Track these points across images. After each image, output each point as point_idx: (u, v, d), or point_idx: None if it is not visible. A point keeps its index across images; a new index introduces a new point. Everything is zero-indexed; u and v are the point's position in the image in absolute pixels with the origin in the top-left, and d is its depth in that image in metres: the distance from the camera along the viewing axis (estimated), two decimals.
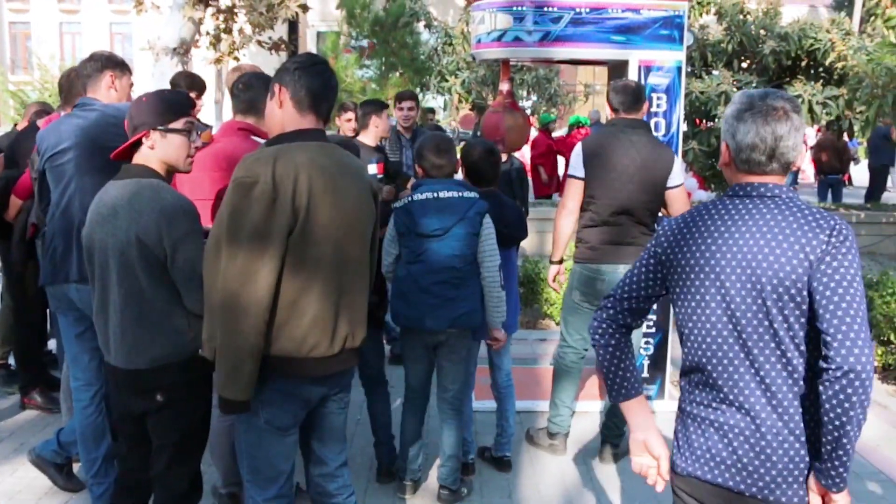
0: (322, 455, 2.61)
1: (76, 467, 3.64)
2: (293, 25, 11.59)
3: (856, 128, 8.25)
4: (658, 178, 3.86)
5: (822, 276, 1.74)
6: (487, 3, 4.60)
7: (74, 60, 23.74)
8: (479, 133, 5.73)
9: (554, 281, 4.19)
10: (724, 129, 1.96)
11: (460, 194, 3.37)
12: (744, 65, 8.86)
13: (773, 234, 1.82)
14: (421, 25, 12.21)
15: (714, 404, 1.92)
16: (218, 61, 10.03)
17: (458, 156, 3.75)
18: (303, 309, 2.29)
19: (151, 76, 7.97)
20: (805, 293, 1.78)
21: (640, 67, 4.50)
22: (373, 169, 4.69)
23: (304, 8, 9.52)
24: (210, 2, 8.53)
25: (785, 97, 1.89)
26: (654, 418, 2.09)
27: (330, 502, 2.64)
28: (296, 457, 2.55)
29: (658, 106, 4.58)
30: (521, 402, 4.38)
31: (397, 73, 12.42)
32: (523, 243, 4.18)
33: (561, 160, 11.44)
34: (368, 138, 4.93)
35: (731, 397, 1.88)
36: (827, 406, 1.70)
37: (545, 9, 4.39)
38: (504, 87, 4.96)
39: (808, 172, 17.00)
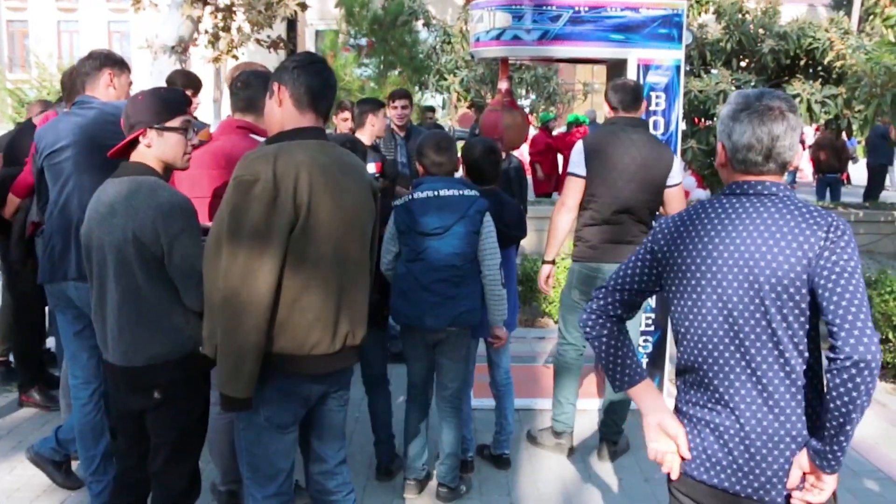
0: (321, 453, 2.61)
1: (75, 465, 3.65)
2: (292, 24, 11.59)
3: (854, 127, 8.24)
4: (658, 176, 3.86)
5: (823, 271, 1.74)
6: (486, 2, 4.60)
7: (72, 59, 23.69)
8: (477, 132, 5.73)
9: (546, 282, 4.12)
10: (719, 130, 1.95)
11: (461, 192, 3.37)
12: (742, 64, 8.85)
13: (771, 232, 1.81)
14: (419, 24, 12.20)
15: (710, 405, 1.91)
16: (216, 60, 10.03)
17: (459, 154, 3.75)
18: (304, 307, 2.30)
19: (150, 74, 7.96)
20: (804, 291, 1.77)
21: (638, 66, 4.51)
22: (371, 168, 4.69)
23: (303, 6, 9.52)
24: (208, 0, 8.52)
25: (781, 97, 1.89)
26: (663, 399, 2.07)
27: (329, 500, 2.65)
28: (295, 454, 2.56)
29: (657, 105, 4.58)
30: (520, 399, 4.38)
31: (396, 72, 12.41)
32: (522, 242, 4.18)
33: (561, 159, 11.44)
34: (365, 137, 4.94)
35: (726, 398, 1.87)
36: (834, 394, 1.69)
37: (544, 7, 4.39)
38: (503, 85, 4.96)
39: (806, 171, 17.02)
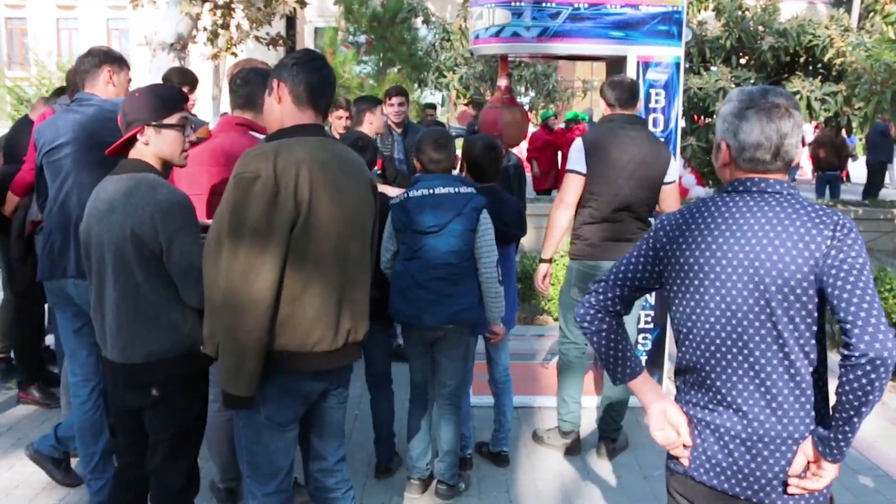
0: (321, 450, 2.61)
1: (74, 462, 3.65)
2: (291, 21, 11.57)
3: (854, 124, 8.23)
4: (657, 174, 3.87)
5: (832, 269, 1.72)
6: None
7: (71, 56, 23.65)
8: (476, 128, 5.72)
9: (543, 282, 4.10)
10: (722, 128, 1.90)
11: (456, 190, 3.36)
12: (742, 61, 8.85)
13: (777, 232, 1.79)
14: (419, 21, 12.18)
15: (711, 406, 1.90)
16: (215, 57, 10.01)
17: (458, 151, 3.75)
18: (306, 304, 2.30)
19: (148, 72, 7.94)
20: (811, 292, 1.75)
21: (638, 63, 4.50)
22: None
23: (302, 3, 9.49)
24: None
25: (784, 94, 1.87)
26: (661, 390, 2.06)
27: (328, 497, 2.65)
28: (295, 452, 2.56)
29: (656, 102, 4.58)
30: (519, 397, 4.38)
31: (395, 69, 12.39)
32: (522, 239, 4.18)
33: (560, 155, 11.42)
34: None
35: (728, 399, 1.86)
36: (847, 388, 1.68)
37: (543, 4, 4.39)
38: (502, 82, 4.95)
39: (805, 169, 17.02)
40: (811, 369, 1.80)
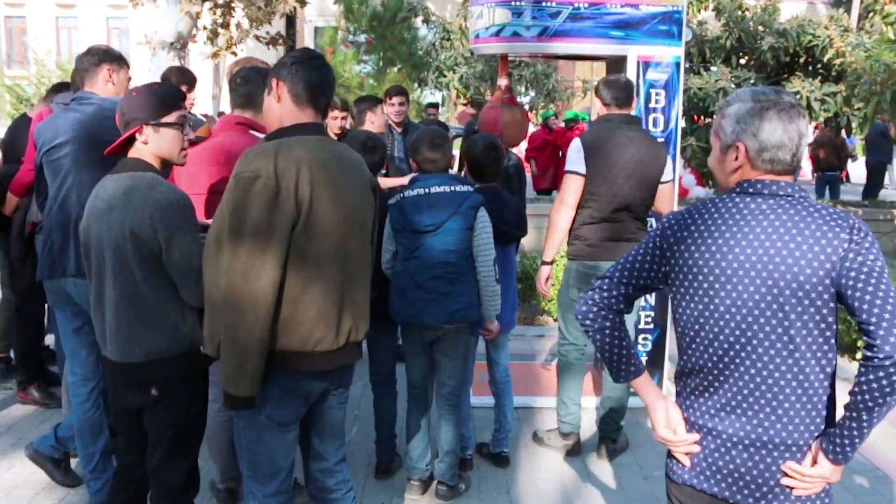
0: (321, 450, 2.60)
1: (74, 462, 3.64)
2: (291, 20, 11.57)
3: (854, 124, 8.25)
4: (654, 173, 3.87)
5: (850, 272, 1.71)
6: None
7: (71, 55, 23.63)
8: (476, 128, 5.71)
9: (545, 284, 4.08)
10: (737, 129, 1.83)
11: (452, 189, 3.35)
12: (742, 61, 8.86)
13: (791, 235, 1.75)
14: (419, 20, 12.18)
15: (713, 411, 1.86)
16: (215, 56, 10.01)
17: (458, 151, 3.74)
18: (307, 303, 2.29)
19: (148, 71, 7.93)
20: (826, 296, 1.73)
21: (638, 63, 4.50)
22: None
23: (302, 3, 9.50)
24: None
25: (791, 94, 1.86)
26: (661, 390, 2.03)
27: (329, 497, 2.65)
28: (295, 453, 2.55)
29: (657, 102, 4.57)
30: (519, 397, 4.37)
31: (395, 69, 12.39)
32: (522, 239, 4.17)
33: (561, 154, 11.42)
34: None
35: (733, 403, 1.82)
36: (865, 388, 1.67)
37: (543, 4, 4.38)
38: (502, 82, 4.95)
39: (805, 169, 17.01)
40: (821, 376, 1.78)
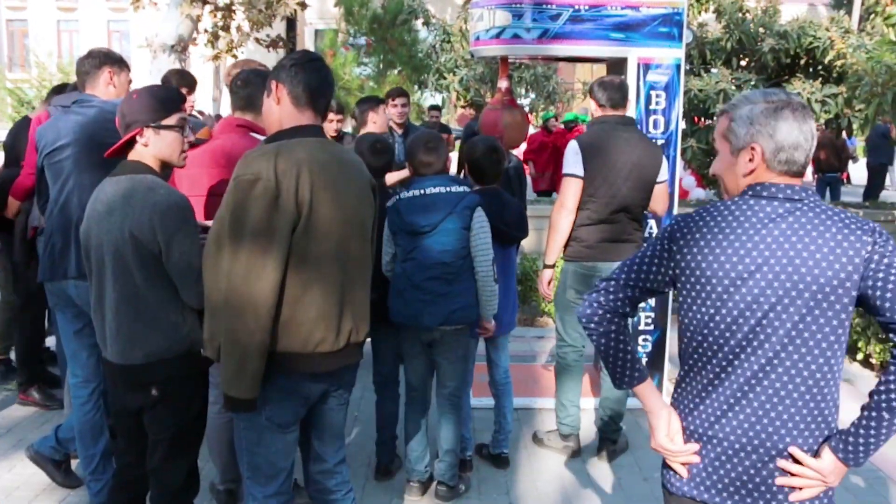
0: (321, 452, 2.61)
1: (74, 464, 3.65)
2: (291, 23, 11.58)
3: (854, 126, 8.24)
4: (651, 174, 3.88)
5: (878, 273, 1.70)
6: (486, 1, 4.59)
7: (72, 58, 23.66)
8: (476, 130, 5.72)
9: (547, 286, 4.09)
10: (751, 131, 1.79)
11: (448, 189, 3.35)
12: (743, 63, 8.85)
13: (812, 237, 1.73)
14: (419, 23, 12.19)
15: (714, 417, 1.81)
16: (216, 59, 10.01)
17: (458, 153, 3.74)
18: (307, 305, 2.30)
19: (149, 73, 7.95)
20: (846, 300, 1.72)
21: (638, 65, 4.50)
22: None
23: (303, 5, 9.50)
24: None
25: (796, 95, 1.85)
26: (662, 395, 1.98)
27: (328, 499, 2.65)
28: (295, 454, 2.55)
29: (657, 104, 4.57)
30: (519, 399, 4.38)
31: (395, 71, 12.40)
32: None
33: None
34: None
35: (737, 407, 1.78)
36: (893, 386, 1.67)
37: (544, 6, 4.39)
38: (502, 84, 4.95)
39: (806, 171, 17.00)
40: (828, 375, 1.76)
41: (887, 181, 15.25)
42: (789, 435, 1.76)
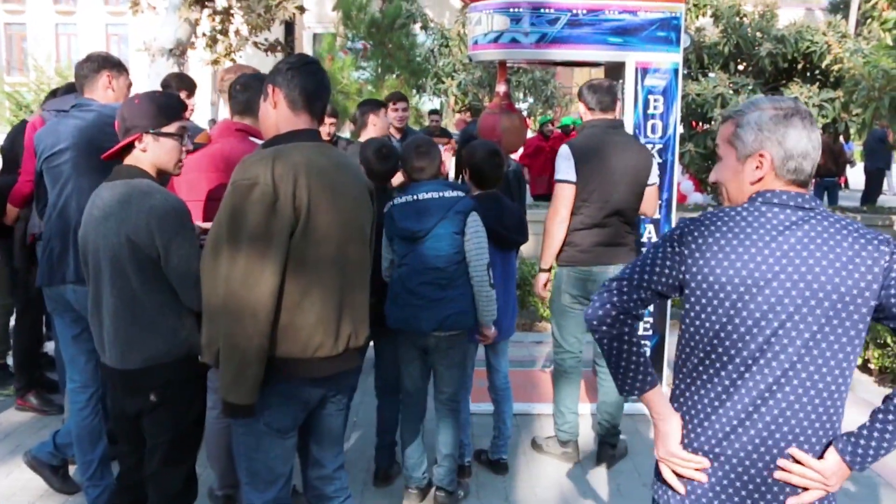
0: (319, 457, 2.60)
1: (72, 469, 3.63)
2: (290, 27, 11.60)
3: (852, 130, 8.26)
4: (642, 177, 3.89)
5: None
6: (484, 5, 4.60)
7: (70, 62, 23.67)
8: (474, 135, 5.73)
9: (543, 288, 4.11)
10: (760, 137, 1.76)
11: (440, 194, 3.34)
12: (740, 67, 8.87)
13: (829, 245, 1.70)
14: (417, 27, 12.19)
15: (721, 434, 1.75)
16: (215, 63, 10.02)
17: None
18: (306, 310, 2.29)
19: (147, 77, 7.96)
20: (864, 309, 1.70)
21: (636, 69, 4.51)
22: None
23: (301, 9, 9.52)
24: (206, 3, 8.51)
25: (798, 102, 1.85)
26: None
27: None
28: (294, 459, 2.55)
29: (655, 108, 4.58)
30: (518, 404, 4.37)
31: (394, 75, 12.40)
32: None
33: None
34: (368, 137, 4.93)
35: (743, 415, 1.73)
36: None
37: (542, 10, 4.39)
38: (501, 88, 4.95)
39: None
40: (844, 393, 1.74)
41: (885, 185, 15.27)
42: (794, 444, 1.73)
